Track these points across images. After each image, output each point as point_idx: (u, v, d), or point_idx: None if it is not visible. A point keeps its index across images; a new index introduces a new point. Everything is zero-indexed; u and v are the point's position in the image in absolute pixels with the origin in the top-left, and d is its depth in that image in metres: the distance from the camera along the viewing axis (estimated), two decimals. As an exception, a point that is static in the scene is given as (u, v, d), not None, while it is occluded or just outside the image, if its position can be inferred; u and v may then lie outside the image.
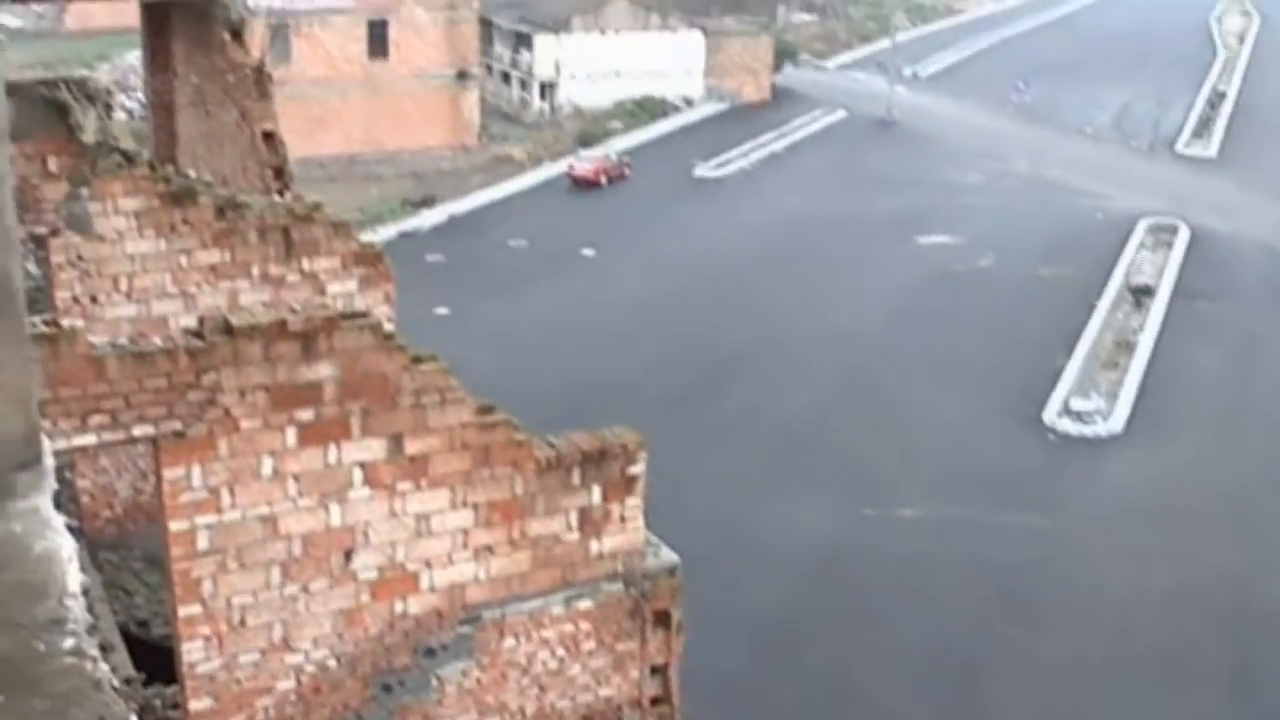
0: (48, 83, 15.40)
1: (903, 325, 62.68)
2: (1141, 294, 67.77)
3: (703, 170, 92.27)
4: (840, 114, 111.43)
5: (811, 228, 78.16)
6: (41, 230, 15.40)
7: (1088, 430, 52.52)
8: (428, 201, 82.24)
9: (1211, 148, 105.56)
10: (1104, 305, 65.68)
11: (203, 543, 12.09)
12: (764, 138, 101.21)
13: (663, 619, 14.53)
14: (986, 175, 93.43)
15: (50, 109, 15.08)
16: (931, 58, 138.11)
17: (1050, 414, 53.48)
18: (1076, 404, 54.09)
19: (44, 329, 10.98)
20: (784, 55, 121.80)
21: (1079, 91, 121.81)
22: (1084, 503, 46.78)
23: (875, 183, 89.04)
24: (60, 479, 5.10)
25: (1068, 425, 52.80)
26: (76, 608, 4.50)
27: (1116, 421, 53.25)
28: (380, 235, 65.37)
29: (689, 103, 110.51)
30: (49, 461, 4.98)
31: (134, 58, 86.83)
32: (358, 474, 12.57)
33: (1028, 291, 67.85)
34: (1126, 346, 60.89)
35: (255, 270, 16.03)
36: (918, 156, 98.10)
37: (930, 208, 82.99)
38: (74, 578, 4.60)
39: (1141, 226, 79.77)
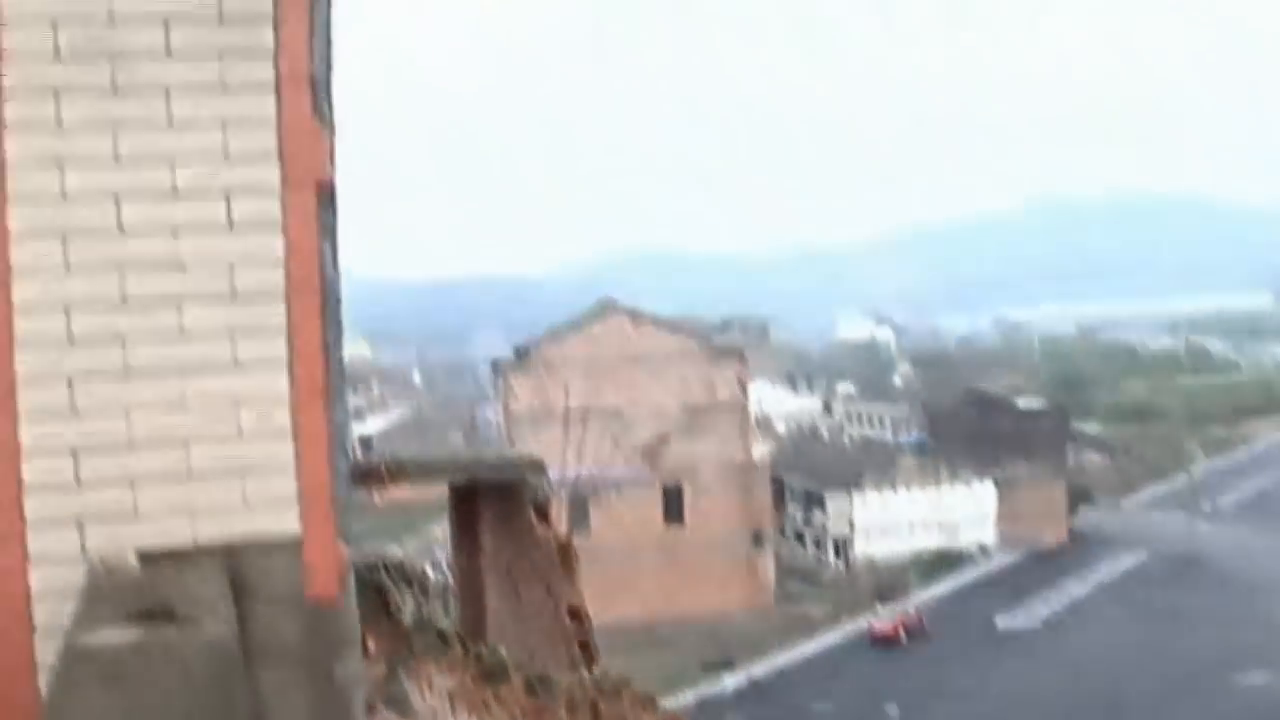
0: (368, 566, 16.07)
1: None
2: None
3: (1004, 621, 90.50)
4: (1141, 554, 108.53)
5: (1122, 673, 75.60)
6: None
7: None
8: (727, 665, 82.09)
9: None
10: None
11: None
12: (1064, 583, 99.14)
13: None
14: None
15: (370, 591, 15.69)
16: (1230, 487, 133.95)
17: None
18: None
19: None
20: (1078, 497, 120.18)
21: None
22: None
23: (1184, 622, 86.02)
24: None
25: None
26: None
27: None
28: (680, 701, 65.28)
29: (985, 552, 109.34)
30: None
31: (438, 529, 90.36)
32: None
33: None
34: None
35: (564, 744, 16.17)
36: (1226, 591, 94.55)
37: (1245, 644, 79.53)
38: None
39: None
